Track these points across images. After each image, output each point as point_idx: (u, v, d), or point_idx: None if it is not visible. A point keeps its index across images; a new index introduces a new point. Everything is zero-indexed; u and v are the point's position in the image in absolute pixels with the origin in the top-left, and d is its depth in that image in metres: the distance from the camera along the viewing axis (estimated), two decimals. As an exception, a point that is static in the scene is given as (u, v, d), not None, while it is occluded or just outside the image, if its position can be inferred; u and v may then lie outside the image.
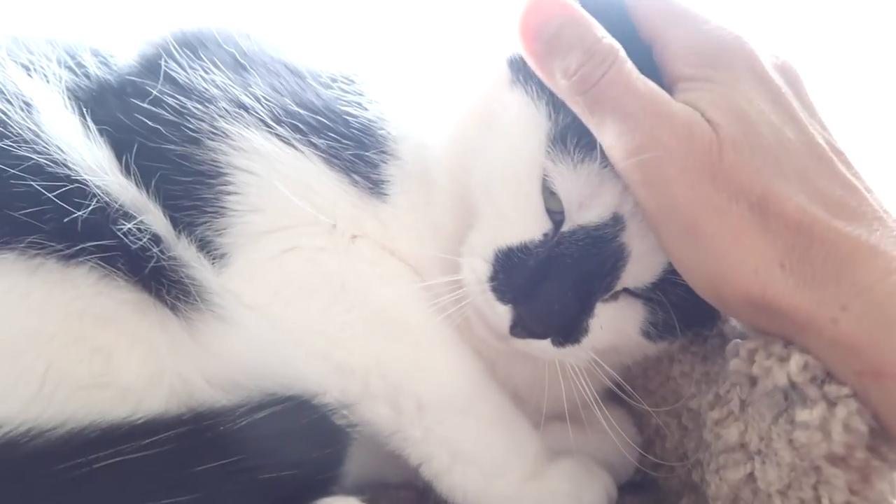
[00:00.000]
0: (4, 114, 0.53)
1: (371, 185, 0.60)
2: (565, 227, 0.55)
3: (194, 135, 0.57)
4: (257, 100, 0.59)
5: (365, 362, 0.59)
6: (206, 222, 0.57)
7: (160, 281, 0.53)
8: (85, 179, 0.52)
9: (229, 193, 0.57)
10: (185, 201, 0.57)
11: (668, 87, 0.52)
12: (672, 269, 0.54)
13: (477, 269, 0.57)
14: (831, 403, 0.46)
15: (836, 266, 0.47)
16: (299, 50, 0.67)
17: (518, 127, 0.56)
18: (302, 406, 0.54)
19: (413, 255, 0.61)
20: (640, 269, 0.55)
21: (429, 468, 0.59)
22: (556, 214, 0.55)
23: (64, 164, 0.52)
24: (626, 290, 0.57)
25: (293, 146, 0.58)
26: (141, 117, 0.58)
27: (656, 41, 0.53)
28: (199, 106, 0.58)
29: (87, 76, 0.61)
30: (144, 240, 0.53)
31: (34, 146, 0.52)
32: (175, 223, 0.56)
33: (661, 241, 0.52)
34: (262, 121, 0.58)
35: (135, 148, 0.56)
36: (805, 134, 0.51)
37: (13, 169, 0.50)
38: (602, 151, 0.52)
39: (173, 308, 0.54)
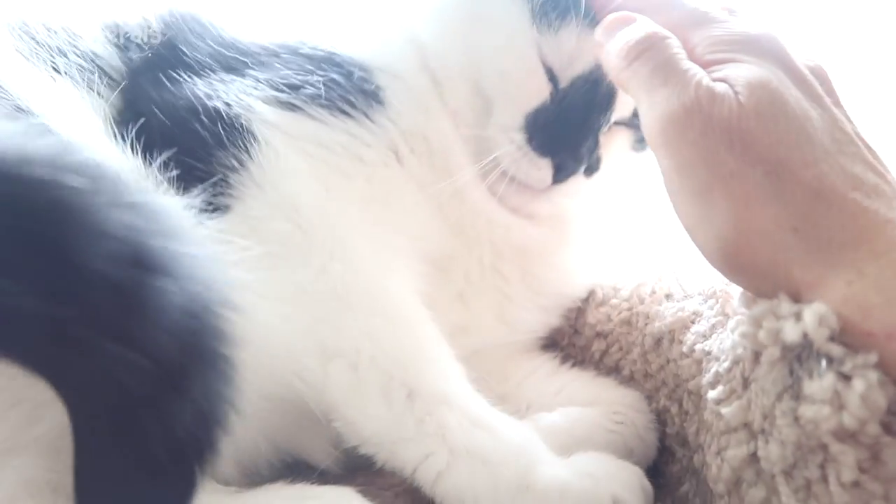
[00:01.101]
0: None
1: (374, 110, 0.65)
2: (563, 84, 0.67)
3: (223, 98, 0.61)
4: (257, 79, 0.64)
5: (355, 339, 0.56)
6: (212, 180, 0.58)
7: None
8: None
9: (249, 156, 0.59)
10: (195, 156, 0.58)
11: None
12: None
13: (515, 138, 0.67)
14: (845, 376, 0.43)
15: (853, 234, 0.45)
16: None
17: (508, 15, 0.67)
18: None
19: (443, 147, 0.68)
20: (623, 102, 0.69)
21: (427, 471, 0.53)
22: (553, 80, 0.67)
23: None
24: (615, 123, 0.71)
25: (300, 110, 0.63)
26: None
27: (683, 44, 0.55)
28: (218, 80, 0.63)
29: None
30: None
31: None
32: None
33: (674, 203, 0.52)
34: (268, 94, 0.63)
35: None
36: (830, 115, 0.51)
37: None
38: (576, 13, 0.64)
39: None
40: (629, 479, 0.56)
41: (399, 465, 0.54)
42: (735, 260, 0.50)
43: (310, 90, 0.64)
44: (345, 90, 0.64)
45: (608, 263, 0.82)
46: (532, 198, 0.71)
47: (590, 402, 0.67)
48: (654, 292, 0.71)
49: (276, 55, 0.67)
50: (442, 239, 0.69)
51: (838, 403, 0.42)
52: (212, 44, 0.68)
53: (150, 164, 0.57)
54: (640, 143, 0.74)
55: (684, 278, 0.69)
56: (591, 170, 0.71)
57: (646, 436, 0.65)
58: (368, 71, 0.66)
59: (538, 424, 0.63)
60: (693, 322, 0.62)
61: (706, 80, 0.51)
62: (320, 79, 0.64)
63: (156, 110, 0.60)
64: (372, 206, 0.63)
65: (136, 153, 0.57)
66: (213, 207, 0.57)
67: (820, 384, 0.43)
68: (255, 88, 0.63)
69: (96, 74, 0.62)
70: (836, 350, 0.43)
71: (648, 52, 0.54)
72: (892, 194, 0.48)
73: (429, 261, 0.67)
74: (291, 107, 0.63)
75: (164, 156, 0.57)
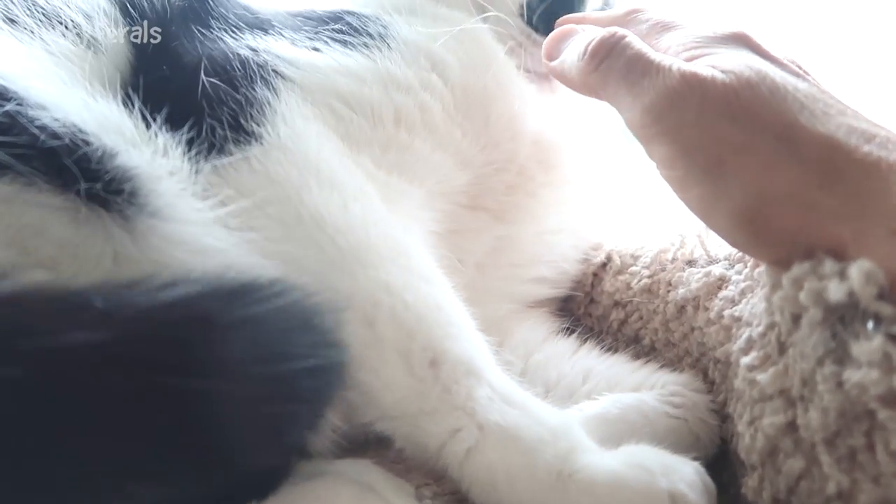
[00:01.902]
0: None
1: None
2: None
3: (251, 45, 0.62)
4: (281, 34, 0.65)
5: (371, 290, 0.50)
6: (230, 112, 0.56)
7: (87, 172, 0.46)
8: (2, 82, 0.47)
9: (278, 94, 0.59)
10: (232, 84, 0.57)
11: None
12: None
13: (516, 24, 0.71)
14: (895, 337, 0.40)
15: (880, 183, 0.44)
16: None
17: None
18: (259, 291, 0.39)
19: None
20: None
21: (455, 448, 0.48)
22: None
23: None
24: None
25: (323, 51, 0.63)
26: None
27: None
28: (247, 31, 0.64)
29: None
30: (61, 129, 0.46)
31: None
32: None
33: (681, 190, 0.51)
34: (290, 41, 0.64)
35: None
36: (817, 86, 0.50)
37: None
38: None
39: (106, 206, 0.46)
40: (689, 475, 0.47)
41: (422, 443, 0.49)
42: (763, 230, 0.47)
43: (329, 33, 0.65)
44: (360, 31, 0.66)
45: (625, 228, 0.79)
46: (544, 87, 0.72)
47: (634, 386, 0.61)
48: (675, 258, 0.68)
49: (292, 18, 0.69)
50: (466, 154, 0.67)
51: (888, 366, 0.40)
52: (233, 8, 0.67)
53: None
54: None
55: (708, 243, 0.66)
56: None
57: (710, 419, 0.57)
58: (373, 17, 0.68)
59: (585, 414, 0.56)
60: (720, 288, 0.60)
61: (686, 65, 0.50)
62: (337, 27, 0.66)
63: (196, 59, 0.59)
64: (392, 152, 0.62)
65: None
66: (245, 132, 0.56)
67: (868, 346, 0.40)
68: (279, 40, 0.64)
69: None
70: (885, 309, 0.41)
71: (615, 48, 0.54)
72: None
73: (459, 197, 0.68)
74: (316, 49, 0.64)
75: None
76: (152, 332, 0.36)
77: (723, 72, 0.49)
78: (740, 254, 0.61)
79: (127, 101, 0.54)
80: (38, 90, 0.49)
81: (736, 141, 0.47)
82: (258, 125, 0.56)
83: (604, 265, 0.76)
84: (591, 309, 0.76)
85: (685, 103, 0.49)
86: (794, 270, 0.46)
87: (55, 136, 0.46)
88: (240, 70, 0.59)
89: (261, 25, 0.66)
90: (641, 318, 0.70)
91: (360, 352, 0.49)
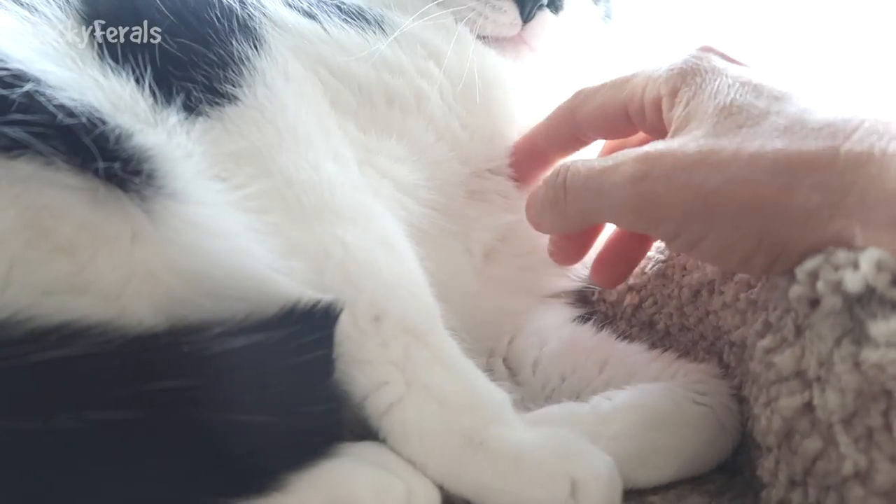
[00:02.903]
0: None
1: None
2: None
3: None
4: None
5: (325, 244, 0.52)
6: (216, 73, 0.56)
7: (104, 151, 0.46)
8: (19, 67, 0.47)
9: (259, 51, 0.59)
10: (200, 46, 0.56)
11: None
12: None
13: None
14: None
15: (875, 169, 0.44)
16: None
17: None
18: (291, 340, 0.46)
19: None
20: None
21: (378, 400, 0.49)
22: None
23: None
24: None
25: (315, 16, 0.64)
26: None
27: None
28: None
29: None
30: (78, 109, 0.47)
31: None
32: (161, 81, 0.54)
33: (694, 251, 0.51)
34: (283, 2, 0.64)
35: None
36: (786, 91, 0.51)
37: None
38: None
39: (125, 187, 0.46)
40: (598, 467, 0.48)
41: (350, 390, 0.50)
42: (776, 253, 0.48)
43: (328, 8, 0.66)
44: (357, 14, 0.66)
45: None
46: (518, 52, 0.73)
47: (653, 376, 0.61)
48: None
49: None
50: (467, 152, 0.67)
51: (908, 345, 0.40)
52: None
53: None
54: None
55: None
56: (556, 5, 0.73)
57: (732, 405, 0.58)
58: (369, 7, 0.68)
59: (613, 403, 0.56)
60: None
61: (634, 150, 0.53)
62: (335, 4, 0.67)
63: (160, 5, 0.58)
64: (378, 130, 0.63)
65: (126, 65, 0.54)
66: (220, 94, 0.56)
67: (886, 326, 0.40)
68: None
69: None
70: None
71: (567, 181, 0.57)
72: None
73: (461, 187, 0.67)
74: (311, 16, 0.64)
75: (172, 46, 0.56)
76: (224, 378, 0.43)
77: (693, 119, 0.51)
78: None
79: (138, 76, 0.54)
80: (54, 72, 0.49)
81: (735, 180, 0.48)
82: (234, 86, 0.57)
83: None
84: (605, 294, 0.76)
85: (650, 180, 0.51)
86: (808, 264, 0.46)
87: (72, 114, 0.46)
88: (221, 22, 0.59)
89: None
90: (656, 302, 0.70)
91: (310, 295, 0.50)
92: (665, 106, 0.55)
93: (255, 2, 0.62)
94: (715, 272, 0.61)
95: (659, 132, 0.56)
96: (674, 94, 0.55)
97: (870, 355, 0.41)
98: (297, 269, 0.51)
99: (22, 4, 0.57)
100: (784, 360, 0.47)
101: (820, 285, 0.45)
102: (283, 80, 0.58)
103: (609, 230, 0.67)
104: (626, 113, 0.60)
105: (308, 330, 0.47)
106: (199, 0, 0.59)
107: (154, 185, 0.47)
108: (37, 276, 0.44)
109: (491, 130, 0.68)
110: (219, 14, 0.59)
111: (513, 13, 0.70)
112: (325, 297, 0.48)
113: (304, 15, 0.64)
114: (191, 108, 0.54)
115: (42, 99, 0.46)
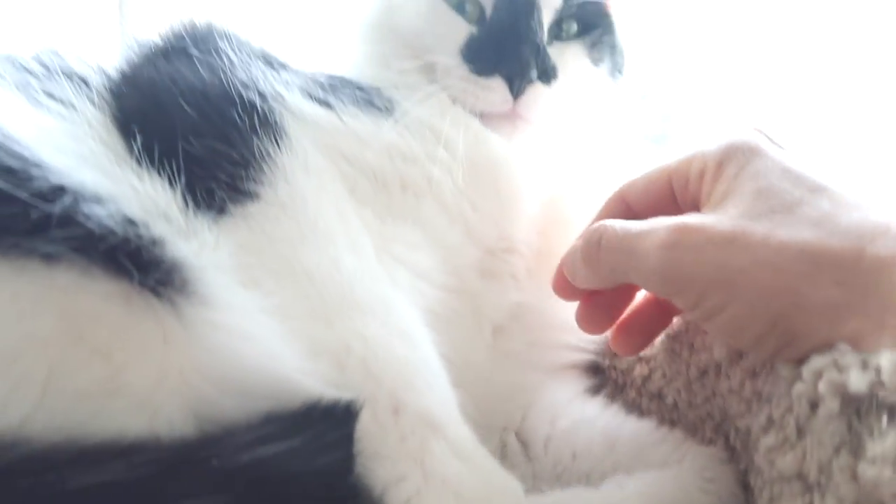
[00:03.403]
0: None
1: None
2: (488, 11, 0.74)
3: (260, 88, 0.63)
4: (290, 82, 0.67)
5: (346, 340, 0.54)
6: (235, 173, 0.58)
7: (140, 265, 0.49)
8: (60, 180, 0.50)
9: (280, 147, 0.61)
10: (228, 142, 0.59)
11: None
12: None
13: (458, 73, 0.72)
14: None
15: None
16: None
17: None
18: (314, 442, 0.48)
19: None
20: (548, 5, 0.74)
21: (397, 495, 0.51)
22: (480, 19, 0.74)
23: (37, 165, 0.50)
24: (555, 40, 0.76)
25: (328, 107, 0.67)
26: (184, 70, 0.62)
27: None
28: (258, 72, 0.65)
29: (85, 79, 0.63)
30: (115, 224, 0.49)
31: (3, 150, 0.49)
32: (188, 183, 0.57)
33: (710, 322, 0.53)
34: (301, 91, 0.67)
35: (154, 110, 0.60)
36: (823, 184, 0.53)
37: None
38: None
39: (157, 294, 0.49)
40: None
41: (369, 483, 0.52)
42: (788, 337, 0.50)
43: (342, 96, 0.68)
44: (368, 99, 0.69)
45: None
46: (514, 126, 0.74)
47: (661, 459, 0.63)
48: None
49: (303, 73, 0.71)
50: (479, 234, 0.70)
51: (903, 465, 0.41)
52: (244, 45, 0.70)
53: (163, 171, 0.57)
54: (594, 51, 0.79)
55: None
56: (548, 75, 0.73)
57: (738, 492, 0.59)
58: (377, 88, 0.72)
59: (624, 493, 0.58)
60: (741, 356, 0.61)
61: (672, 220, 0.55)
62: (347, 91, 0.69)
63: (179, 100, 0.60)
64: (394, 217, 0.65)
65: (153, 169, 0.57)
66: (243, 192, 0.58)
67: (882, 444, 0.42)
68: (291, 84, 0.67)
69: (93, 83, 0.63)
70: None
71: (602, 239, 0.59)
72: None
73: (473, 267, 0.69)
74: (327, 104, 0.67)
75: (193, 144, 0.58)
76: (252, 488, 0.45)
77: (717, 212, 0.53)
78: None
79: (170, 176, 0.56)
80: (91, 181, 0.51)
81: (739, 264, 0.50)
82: (256, 183, 0.59)
83: (628, 320, 0.78)
84: (616, 361, 0.78)
85: (680, 249, 0.52)
86: (814, 362, 0.47)
87: (110, 231, 0.48)
88: (243, 119, 0.61)
89: (276, 69, 0.68)
90: (664, 375, 0.71)
91: (331, 393, 0.52)
92: (708, 178, 0.58)
93: (274, 93, 0.64)
94: (722, 355, 0.63)
95: (697, 204, 0.59)
96: (719, 168, 0.57)
97: (866, 470, 0.43)
98: (321, 367, 0.53)
99: (58, 100, 0.60)
100: (786, 462, 0.49)
101: (822, 386, 0.47)
102: (304, 174, 0.60)
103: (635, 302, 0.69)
104: (670, 186, 0.62)
105: (330, 429, 0.49)
106: (219, 94, 0.62)
107: (185, 291, 0.50)
108: (74, 380, 0.46)
109: (499, 210, 0.70)
110: (240, 111, 0.61)
111: (502, 90, 0.71)
112: (345, 395, 0.51)
113: (321, 104, 0.66)
114: (215, 207, 0.57)
115: (81, 215, 0.48)
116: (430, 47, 0.74)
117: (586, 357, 0.78)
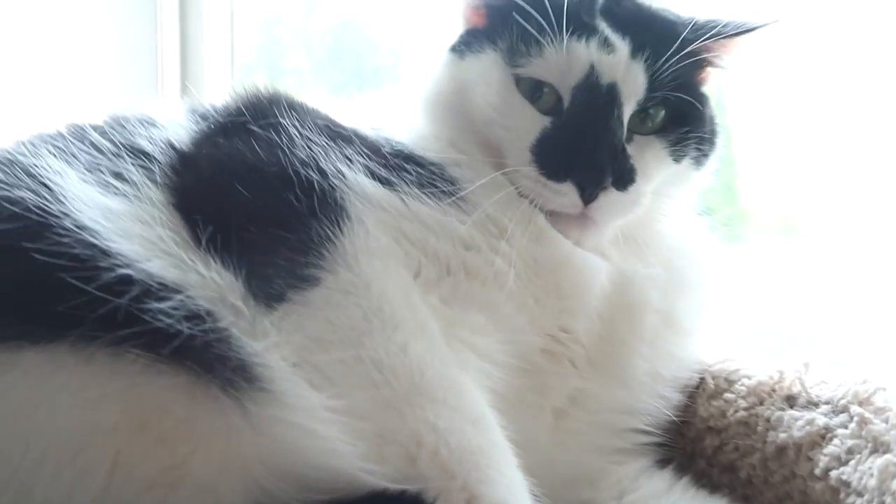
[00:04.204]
0: (44, 209, 0.51)
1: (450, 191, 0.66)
2: (566, 101, 0.68)
3: (321, 166, 0.61)
4: (353, 157, 0.65)
5: (418, 431, 0.52)
6: (298, 254, 0.56)
7: (203, 363, 0.48)
8: (128, 271, 0.50)
9: (342, 230, 0.59)
10: (287, 227, 0.57)
11: None
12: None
13: (528, 173, 0.67)
14: None
15: None
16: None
17: (483, 66, 0.71)
18: None
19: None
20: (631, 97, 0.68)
21: None
22: (555, 108, 0.69)
23: (105, 254, 0.50)
24: (633, 133, 0.70)
25: (393, 188, 0.64)
26: (241, 149, 0.61)
27: None
28: (319, 149, 0.63)
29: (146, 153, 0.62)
30: (182, 322, 0.49)
31: (75, 238, 0.50)
32: (247, 274, 0.55)
33: None
34: (363, 170, 0.64)
35: (226, 190, 0.58)
36: None
37: (58, 260, 0.48)
38: (552, 28, 0.67)
39: (224, 389, 0.48)
40: None
41: None
42: None
43: (406, 176, 0.65)
44: (431, 180, 0.66)
45: (718, 345, 0.78)
46: (584, 228, 0.69)
47: None
48: (773, 391, 0.67)
49: (367, 142, 0.68)
50: (543, 321, 0.66)
51: None
52: (308, 116, 0.68)
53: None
54: (675, 153, 0.72)
55: (808, 381, 0.65)
56: (624, 181, 0.67)
57: None
58: (441, 167, 0.68)
59: None
60: (824, 439, 0.58)
61: None
62: (412, 169, 0.66)
63: (236, 184, 0.59)
64: (460, 302, 0.62)
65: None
66: (303, 279, 0.56)
67: None
68: (354, 162, 0.64)
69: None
70: None
71: None
72: None
73: (526, 359, 0.65)
74: (389, 184, 0.64)
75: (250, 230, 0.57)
76: None
77: None
78: (844, 400, 0.60)
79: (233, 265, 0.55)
80: (158, 270, 0.51)
81: None
82: (316, 268, 0.56)
83: (696, 386, 0.75)
84: (685, 430, 0.75)
85: None
86: None
87: (175, 329, 0.48)
88: (303, 200, 0.59)
89: (338, 144, 0.65)
90: (737, 449, 0.69)
91: (402, 480, 0.50)
92: None
93: (335, 171, 0.62)
94: (802, 437, 0.60)
95: None
96: None
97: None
98: (390, 460, 0.51)
99: (126, 181, 0.59)
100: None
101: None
102: (367, 257, 0.58)
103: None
104: None
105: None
106: (277, 175, 0.60)
107: (252, 388, 0.49)
108: (138, 469, 0.46)
109: (559, 305, 0.66)
110: (298, 193, 0.59)
111: (573, 196, 0.66)
112: (411, 488, 0.49)
113: (383, 183, 0.64)
114: (275, 296, 0.55)
115: (147, 311, 0.48)
116: (501, 140, 0.70)
117: (651, 439, 0.73)
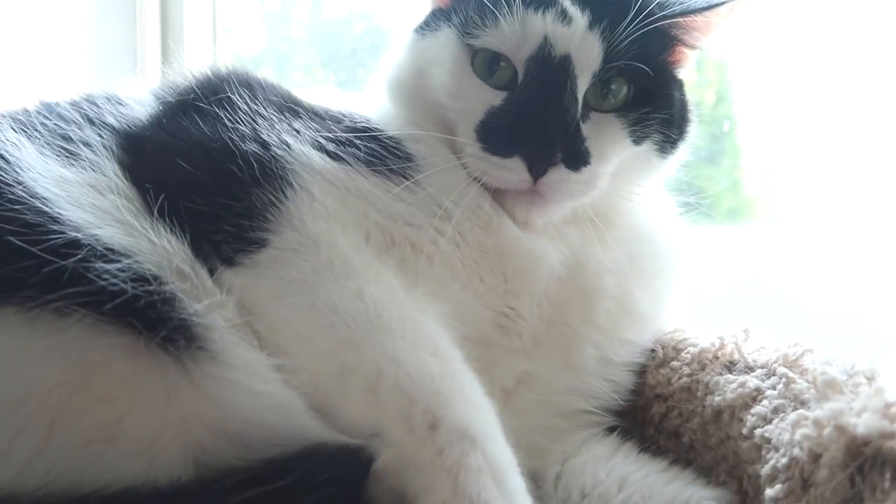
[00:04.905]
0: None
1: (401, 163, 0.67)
2: (520, 74, 0.68)
3: (263, 138, 0.63)
4: (301, 130, 0.66)
5: (378, 363, 0.54)
6: (246, 219, 0.59)
7: (146, 322, 0.50)
8: (76, 234, 0.52)
9: (286, 195, 0.61)
10: (232, 196, 0.59)
11: None
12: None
13: (473, 151, 0.67)
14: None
15: None
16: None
17: (439, 44, 0.72)
18: (304, 487, 0.48)
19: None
20: (584, 69, 0.68)
21: (424, 501, 0.50)
22: (511, 83, 0.69)
23: (55, 220, 0.52)
24: (592, 110, 0.69)
25: (339, 159, 0.65)
26: (186, 125, 0.64)
27: None
28: (265, 122, 0.65)
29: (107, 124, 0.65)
30: (127, 282, 0.51)
31: (27, 205, 0.52)
32: (195, 236, 0.57)
33: None
34: (311, 142, 0.66)
35: (176, 162, 0.60)
36: None
37: (6, 225, 0.51)
38: (508, 6, 0.67)
39: (166, 350, 0.50)
40: None
41: (401, 490, 0.51)
42: None
43: (354, 151, 0.66)
44: (383, 156, 0.67)
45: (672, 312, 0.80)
46: (532, 204, 0.68)
47: (668, 499, 0.61)
48: (715, 358, 0.69)
49: (323, 118, 0.71)
50: (489, 299, 0.67)
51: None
52: (263, 92, 0.70)
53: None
54: (635, 133, 0.70)
55: (745, 348, 0.67)
56: (577, 160, 0.66)
57: None
58: (398, 141, 0.69)
59: None
60: (755, 400, 0.60)
61: None
62: (363, 144, 0.67)
63: (182, 156, 0.61)
64: (409, 270, 0.63)
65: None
66: (251, 241, 0.59)
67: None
68: (303, 134, 0.66)
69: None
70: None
71: None
72: None
73: (475, 328, 0.66)
74: (338, 157, 0.65)
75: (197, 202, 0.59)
76: None
77: None
78: (776, 364, 0.61)
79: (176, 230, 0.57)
80: (108, 235, 0.53)
81: None
82: (264, 231, 0.59)
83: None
84: (635, 399, 0.77)
85: None
86: (820, 411, 0.47)
87: (119, 288, 0.50)
88: (245, 170, 0.60)
89: (287, 117, 0.67)
90: (681, 414, 0.70)
91: (363, 414, 0.53)
92: None
93: (280, 142, 0.64)
94: (735, 399, 0.62)
95: None
96: None
97: (868, 530, 0.42)
98: (352, 392, 0.53)
99: (89, 150, 0.61)
100: (791, 515, 0.48)
101: (826, 433, 0.46)
102: (312, 218, 0.61)
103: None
104: None
105: (320, 470, 0.50)
106: (219, 148, 0.62)
107: (193, 347, 0.51)
108: (78, 425, 0.48)
109: (504, 286, 0.67)
110: (241, 163, 0.61)
111: (520, 171, 0.66)
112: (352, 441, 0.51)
113: (332, 157, 0.65)
114: (223, 260, 0.58)
115: (92, 271, 0.50)
116: (454, 120, 0.70)
117: (600, 419, 0.75)
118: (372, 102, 0.78)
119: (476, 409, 0.55)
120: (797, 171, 1.45)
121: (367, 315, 0.56)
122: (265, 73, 0.79)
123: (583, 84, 0.68)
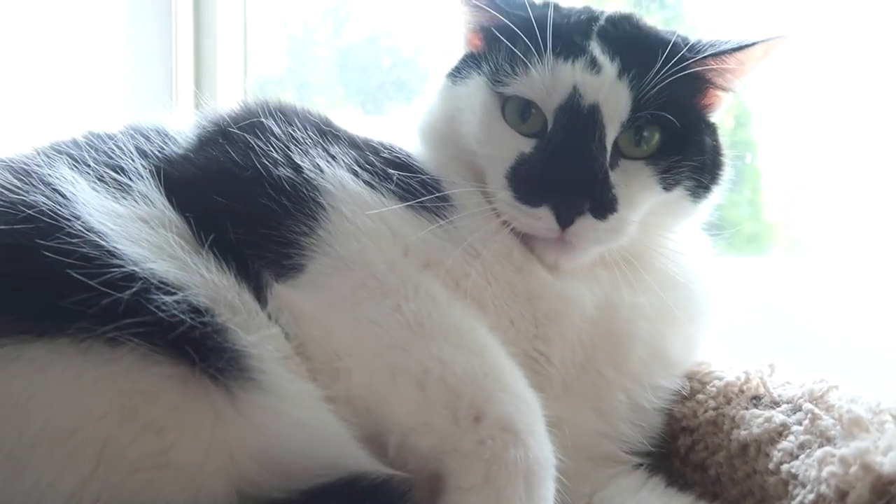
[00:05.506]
0: (54, 211, 0.56)
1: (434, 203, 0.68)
2: (549, 123, 0.69)
3: (292, 160, 0.65)
4: (337, 156, 0.69)
5: (423, 362, 0.58)
6: (283, 240, 0.62)
7: (200, 353, 0.52)
8: (133, 268, 0.54)
9: (317, 219, 0.63)
10: (266, 226, 0.62)
11: None
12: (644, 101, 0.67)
13: (504, 197, 0.68)
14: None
15: None
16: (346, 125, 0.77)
17: (469, 92, 0.73)
18: None
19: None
20: (613, 119, 0.68)
21: (454, 481, 0.55)
22: (542, 130, 0.69)
23: (112, 255, 0.54)
24: (623, 157, 0.69)
25: (373, 187, 0.67)
26: (217, 156, 0.66)
27: None
28: (299, 147, 0.67)
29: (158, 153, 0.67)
30: (185, 313, 0.53)
31: (84, 239, 0.55)
32: (240, 263, 0.60)
33: None
34: (348, 167, 0.68)
35: (219, 193, 0.63)
36: None
37: (65, 258, 0.53)
38: (538, 50, 0.68)
39: (215, 380, 0.52)
40: None
41: (436, 465, 0.55)
42: None
43: (390, 185, 0.68)
44: (418, 192, 0.68)
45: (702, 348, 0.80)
46: (560, 252, 0.69)
47: None
48: (741, 392, 0.70)
49: (362, 147, 0.72)
50: (518, 343, 0.68)
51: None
52: (296, 119, 0.72)
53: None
54: (665, 180, 0.70)
55: (770, 383, 0.68)
56: (603, 209, 0.67)
57: None
58: (437, 181, 0.70)
59: None
60: (780, 435, 0.61)
61: None
62: (400, 177, 0.68)
63: (211, 191, 0.63)
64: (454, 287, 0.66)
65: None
66: (289, 268, 0.62)
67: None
68: (338, 160, 0.68)
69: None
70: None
71: None
72: None
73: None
74: (371, 186, 0.67)
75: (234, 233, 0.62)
76: None
77: None
78: (802, 400, 0.63)
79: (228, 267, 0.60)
80: (163, 270, 0.56)
81: None
82: (300, 258, 0.62)
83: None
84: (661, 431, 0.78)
85: None
86: (847, 448, 0.48)
87: (176, 320, 0.52)
88: (276, 198, 0.63)
89: (325, 143, 0.69)
90: (707, 447, 0.71)
91: (413, 409, 0.57)
92: None
93: (313, 166, 0.66)
94: (761, 434, 0.63)
95: None
96: None
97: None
98: (402, 388, 0.57)
99: (140, 186, 0.64)
100: (817, 551, 0.49)
101: (853, 471, 0.47)
102: (344, 241, 0.63)
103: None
104: None
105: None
106: (252, 176, 0.64)
107: (243, 378, 0.53)
108: (127, 454, 0.50)
109: (535, 331, 0.69)
110: (270, 192, 0.63)
111: (549, 220, 0.66)
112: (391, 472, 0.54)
113: (365, 185, 0.67)
114: (269, 282, 0.61)
115: (149, 303, 0.52)
116: (484, 167, 0.71)
117: (629, 459, 0.74)
118: (403, 136, 0.79)
119: (519, 401, 0.59)
120: (818, 196, 1.45)
121: (408, 326, 0.60)
122: (286, 96, 0.80)
123: (611, 132, 0.68)
